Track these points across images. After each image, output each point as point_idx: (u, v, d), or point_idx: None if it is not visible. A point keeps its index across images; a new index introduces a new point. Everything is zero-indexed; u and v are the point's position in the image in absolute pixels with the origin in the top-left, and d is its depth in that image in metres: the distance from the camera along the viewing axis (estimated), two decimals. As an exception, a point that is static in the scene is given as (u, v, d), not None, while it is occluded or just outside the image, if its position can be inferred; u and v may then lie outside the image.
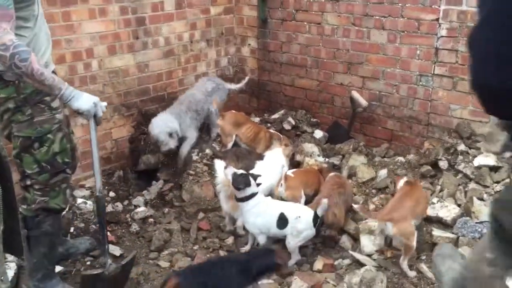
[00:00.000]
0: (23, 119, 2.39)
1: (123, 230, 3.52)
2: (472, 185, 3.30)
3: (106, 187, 3.99)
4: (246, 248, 3.22)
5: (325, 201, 2.97)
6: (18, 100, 2.36)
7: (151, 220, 3.63)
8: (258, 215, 3.02)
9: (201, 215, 3.63)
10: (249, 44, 5.03)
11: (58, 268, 3.03)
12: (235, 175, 3.00)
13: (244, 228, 3.33)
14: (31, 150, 2.44)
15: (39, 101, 2.42)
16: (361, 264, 2.94)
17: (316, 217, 2.96)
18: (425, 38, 3.79)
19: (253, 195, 3.01)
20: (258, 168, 3.58)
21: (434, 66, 3.80)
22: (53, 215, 2.63)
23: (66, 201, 2.65)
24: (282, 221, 2.98)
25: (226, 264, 2.54)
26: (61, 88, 2.26)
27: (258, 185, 3.05)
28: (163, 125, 3.91)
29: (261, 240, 3.08)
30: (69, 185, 2.68)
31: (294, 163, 4.03)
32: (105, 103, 2.50)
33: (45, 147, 2.46)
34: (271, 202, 3.14)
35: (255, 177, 3.06)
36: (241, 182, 2.98)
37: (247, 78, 4.73)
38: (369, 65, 4.19)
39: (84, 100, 2.35)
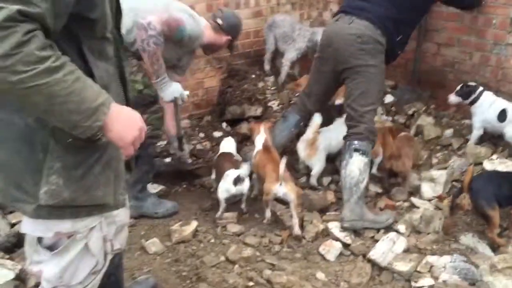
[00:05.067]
0: None
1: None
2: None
3: (196, 129, 4.57)
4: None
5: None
6: None
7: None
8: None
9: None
10: (331, 9, 5.21)
11: (160, 187, 3.67)
12: None
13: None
14: None
15: None
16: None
17: None
18: (502, 8, 3.95)
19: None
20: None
21: (508, 36, 3.96)
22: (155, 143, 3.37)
23: None
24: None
25: None
26: None
27: None
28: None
29: None
30: None
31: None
32: (187, 92, 3.15)
33: None
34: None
35: None
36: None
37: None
38: (445, 31, 4.39)
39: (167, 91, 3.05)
